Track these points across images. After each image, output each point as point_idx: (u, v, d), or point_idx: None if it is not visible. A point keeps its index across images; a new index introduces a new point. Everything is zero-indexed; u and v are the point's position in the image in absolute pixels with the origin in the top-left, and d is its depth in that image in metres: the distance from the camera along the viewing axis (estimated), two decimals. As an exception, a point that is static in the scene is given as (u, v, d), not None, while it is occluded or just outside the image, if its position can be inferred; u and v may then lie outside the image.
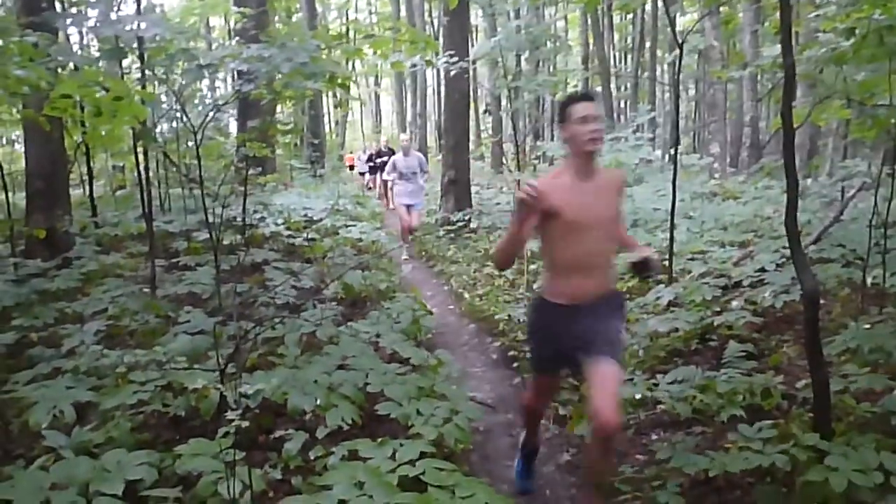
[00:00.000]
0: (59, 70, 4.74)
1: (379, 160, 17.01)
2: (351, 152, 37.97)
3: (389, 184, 12.17)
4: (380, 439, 3.26)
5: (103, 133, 5.97)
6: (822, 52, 5.75)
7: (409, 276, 9.02)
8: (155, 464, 3.06)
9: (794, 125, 3.52)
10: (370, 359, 4.48)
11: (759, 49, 15.95)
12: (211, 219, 6.18)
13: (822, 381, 3.53)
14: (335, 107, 37.01)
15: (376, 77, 42.81)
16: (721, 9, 16.68)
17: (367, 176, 20.44)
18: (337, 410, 3.64)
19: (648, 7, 25.14)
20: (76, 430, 3.54)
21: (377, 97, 45.54)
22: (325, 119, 33.05)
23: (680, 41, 6.76)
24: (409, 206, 10.59)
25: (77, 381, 4.13)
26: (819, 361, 3.56)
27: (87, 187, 10.66)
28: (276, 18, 19.73)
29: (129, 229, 9.40)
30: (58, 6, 8.25)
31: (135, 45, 5.41)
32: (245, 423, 2.50)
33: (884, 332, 4.45)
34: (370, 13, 38.33)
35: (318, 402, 3.66)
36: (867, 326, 4.79)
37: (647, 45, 26.23)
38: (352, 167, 34.08)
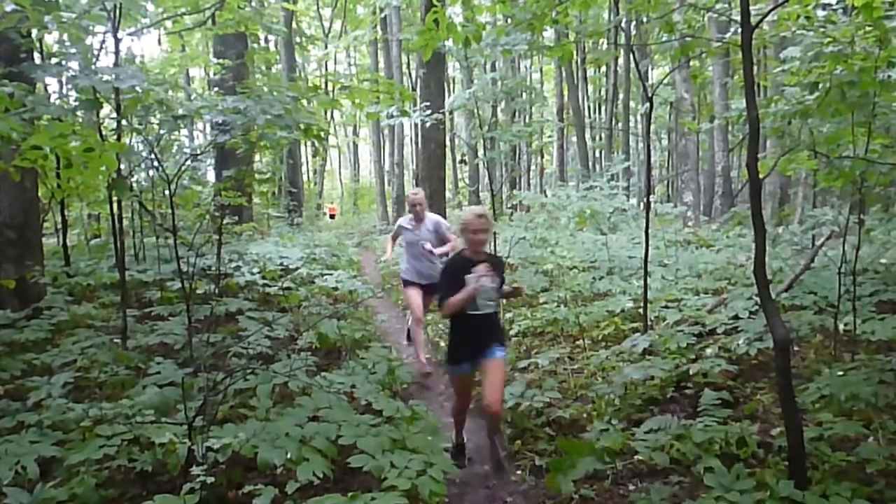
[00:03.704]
0: (36, 121, 4.74)
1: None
2: (331, 202, 38.36)
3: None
4: (351, 493, 3.20)
5: (77, 183, 5.95)
6: (788, 106, 5.93)
7: (385, 326, 8.97)
8: (119, 522, 2.97)
9: (761, 176, 3.60)
10: (343, 410, 4.42)
11: (729, 101, 16.38)
12: (185, 268, 6.12)
13: (795, 429, 3.53)
14: (313, 156, 37.24)
15: (355, 126, 43.20)
16: (690, 63, 17.16)
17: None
18: (308, 464, 3.56)
19: (621, 60, 25.81)
20: (39, 487, 3.44)
21: (355, 146, 45.88)
22: (304, 168, 33.19)
23: (650, 94, 6.93)
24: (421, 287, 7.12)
25: (42, 435, 4.03)
26: (792, 409, 3.57)
27: (61, 236, 10.53)
28: (256, 70, 19.93)
29: (101, 279, 9.28)
30: (37, 57, 8.28)
31: (112, 96, 5.45)
32: (211, 479, 2.43)
33: (857, 379, 4.48)
34: (349, 65, 38.89)
35: (290, 455, 3.58)
36: (840, 373, 4.82)
37: (621, 96, 26.84)
38: (332, 216, 34.34)
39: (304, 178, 32.86)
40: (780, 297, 7.00)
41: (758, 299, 6.14)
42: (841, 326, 5.92)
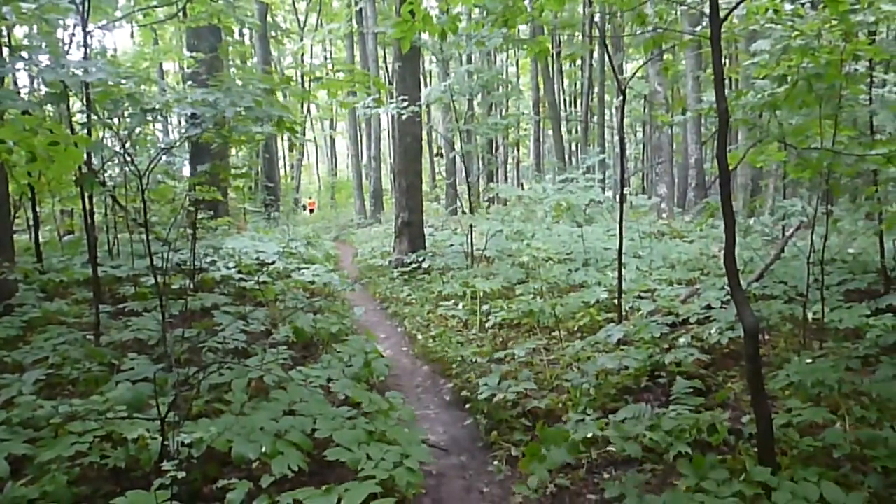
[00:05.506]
0: (5, 114, 4.66)
1: None
2: (310, 197, 38.30)
3: None
4: (325, 486, 3.20)
5: (49, 179, 5.84)
6: (757, 98, 6.01)
7: (362, 319, 8.97)
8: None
9: (730, 167, 3.66)
10: (319, 403, 4.42)
11: (701, 94, 16.53)
12: (159, 263, 6.07)
13: (764, 415, 3.60)
14: (290, 150, 37.01)
15: (332, 121, 42.94)
16: (663, 56, 17.30)
17: None
18: (283, 458, 3.57)
19: (596, 54, 25.92)
20: (9, 486, 3.41)
21: (332, 140, 45.59)
22: (280, 162, 32.97)
23: (623, 87, 6.98)
24: None
25: (12, 433, 3.97)
26: (761, 396, 3.63)
27: (33, 233, 10.37)
28: (231, 64, 19.72)
29: (74, 275, 9.15)
30: (5, 51, 8.14)
31: (81, 89, 5.37)
32: (182, 474, 2.43)
33: (825, 367, 4.58)
34: (325, 59, 38.62)
35: (264, 449, 3.58)
36: (809, 361, 4.91)
37: (596, 90, 26.97)
38: (311, 210, 34.21)
39: (281, 172, 32.66)
40: (751, 287, 7.10)
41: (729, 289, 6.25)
42: (810, 315, 6.02)
